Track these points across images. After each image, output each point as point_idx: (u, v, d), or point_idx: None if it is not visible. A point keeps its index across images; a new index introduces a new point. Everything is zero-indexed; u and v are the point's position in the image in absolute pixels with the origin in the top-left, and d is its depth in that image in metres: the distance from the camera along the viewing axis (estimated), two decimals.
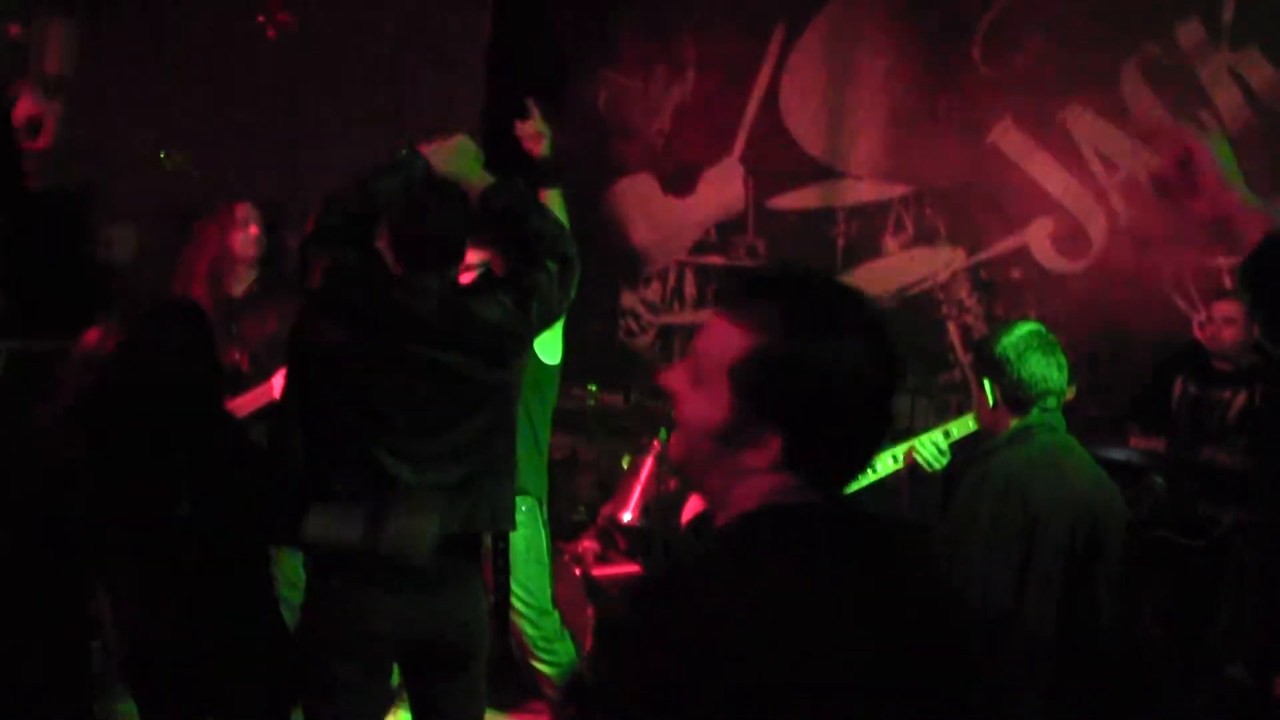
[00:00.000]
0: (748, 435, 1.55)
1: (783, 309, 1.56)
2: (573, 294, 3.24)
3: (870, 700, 1.44)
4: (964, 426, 3.91)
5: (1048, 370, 3.10)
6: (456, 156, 3.23)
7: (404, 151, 3.20)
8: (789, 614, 1.44)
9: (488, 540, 3.42)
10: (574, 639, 4.36)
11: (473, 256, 3.45)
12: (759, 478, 1.56)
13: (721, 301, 1.65)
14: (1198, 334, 5.11)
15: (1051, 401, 3.13)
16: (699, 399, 1.59)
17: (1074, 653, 2.97)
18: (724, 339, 1.57)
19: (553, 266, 3.15)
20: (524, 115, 3.78)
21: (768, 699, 1.38)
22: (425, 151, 3.19)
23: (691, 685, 1.39)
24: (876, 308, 1.61)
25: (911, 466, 4.03)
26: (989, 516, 3.02)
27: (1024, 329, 3.17)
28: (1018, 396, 3.12)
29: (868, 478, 4.07)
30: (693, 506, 4.10)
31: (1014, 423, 3.14)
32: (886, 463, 4.08)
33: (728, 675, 1.39)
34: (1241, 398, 4.92)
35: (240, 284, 4.54)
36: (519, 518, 3.73)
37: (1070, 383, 3.30)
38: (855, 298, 1.60)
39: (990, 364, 3.16)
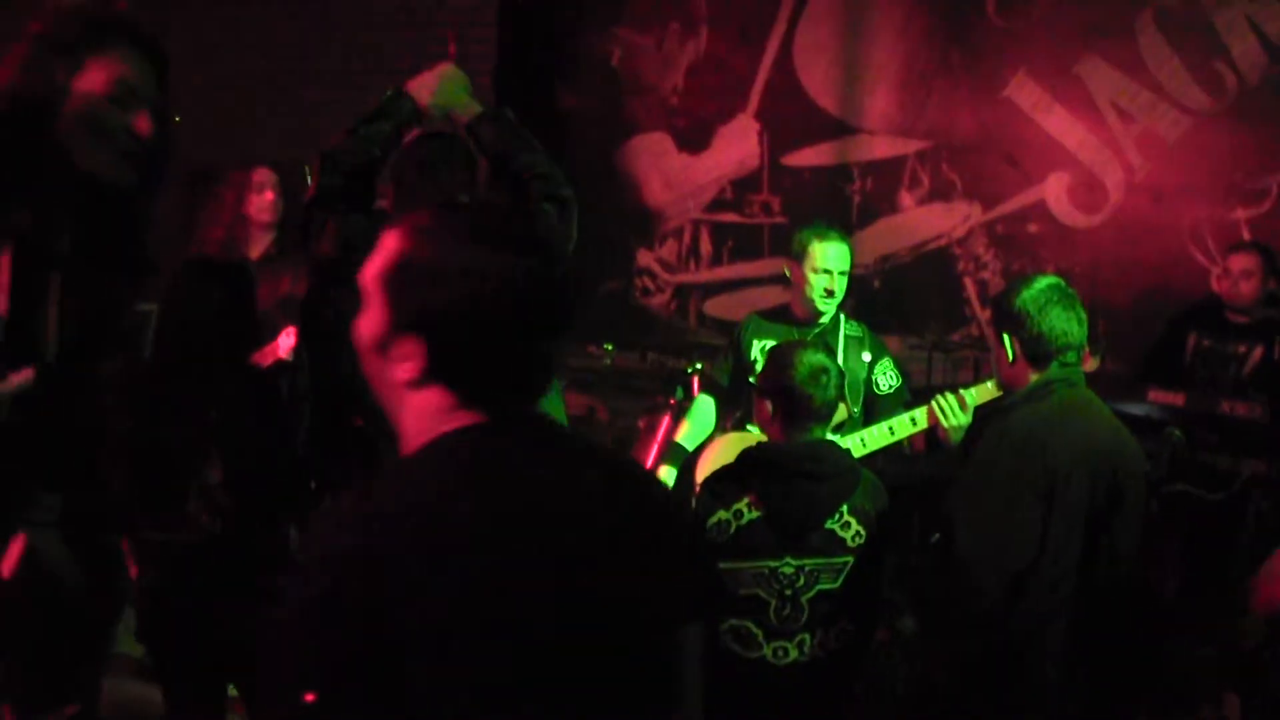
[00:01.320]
0: (396, 345, 1.54)
1: (431, 218, 1.58)
2: (574, 235, 3.09)
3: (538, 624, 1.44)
4: (985, 392, 3.88)
5: (1068, 324, 3.07)
6: (442, 85, 3.10)
7: (390, 93, 3.13)
8: (436, 541, 1.43)
9: None
10: None
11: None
12: (417, 396, 1.55)
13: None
14: (1215, 287, 5.08)
15: (1071, 356, 3.10)
16: (365, 313, 1.59)
17: (1093, 606, 2.97)
18: (383, 249, 1.58)
19: (550, 209, 3.01)
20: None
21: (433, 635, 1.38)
22: (412, 88, 3.13)
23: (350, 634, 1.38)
24: (540, 230, 1.60)
25: (932, 430, 4.00)
26: (1008, 471, 3.00)
27: (1044, 283, 3.14)
28: (1037, 351, 3.09)
29: (885, 438, 4.06)
30: (706, 464, 4.09)
31: (1033, 378, 3.11)
32: (905, 424, 4.05)
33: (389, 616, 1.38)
34: (1259, 351, 4.90)
35: (256, 247, 4.54)
36: None
37: (1096, 352, 3.25)
38: (514, 215, 1.62)
39: (1010, 318, 3.14)
